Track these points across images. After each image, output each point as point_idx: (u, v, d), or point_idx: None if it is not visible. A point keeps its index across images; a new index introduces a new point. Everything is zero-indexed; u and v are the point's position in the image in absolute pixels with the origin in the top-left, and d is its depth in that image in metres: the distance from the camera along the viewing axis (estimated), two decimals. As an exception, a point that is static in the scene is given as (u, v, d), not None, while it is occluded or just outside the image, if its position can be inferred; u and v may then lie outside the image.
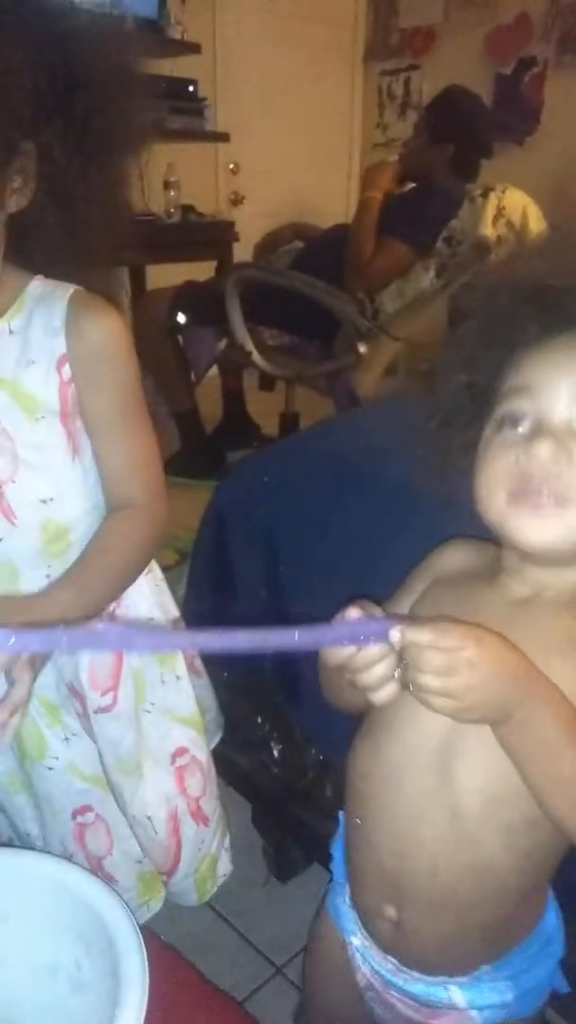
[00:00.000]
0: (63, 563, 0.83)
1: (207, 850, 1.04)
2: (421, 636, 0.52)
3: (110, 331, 0.78)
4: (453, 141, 2.59)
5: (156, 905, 1.05)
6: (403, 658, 0.55)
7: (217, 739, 1.14)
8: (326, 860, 1.28)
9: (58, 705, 0.89)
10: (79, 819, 0.93)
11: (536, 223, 2.54)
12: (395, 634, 0.53)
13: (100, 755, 0.91)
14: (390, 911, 0.71)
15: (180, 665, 0.97)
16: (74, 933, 0.65)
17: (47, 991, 0.67)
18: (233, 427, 3.12)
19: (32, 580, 0.82)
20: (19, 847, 0.95)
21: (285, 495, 1.22)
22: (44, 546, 0.81)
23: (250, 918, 1.28)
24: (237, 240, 3.34)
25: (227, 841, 1.10)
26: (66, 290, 0.78)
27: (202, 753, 1.01)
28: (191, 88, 3.32)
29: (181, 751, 0.98)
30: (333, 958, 0.82)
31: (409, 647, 0.53)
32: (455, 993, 0.72)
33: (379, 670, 0.55)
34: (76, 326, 0.76)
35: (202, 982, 0.71)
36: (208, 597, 1.34)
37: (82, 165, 0.73)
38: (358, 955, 0.79)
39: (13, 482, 0.78)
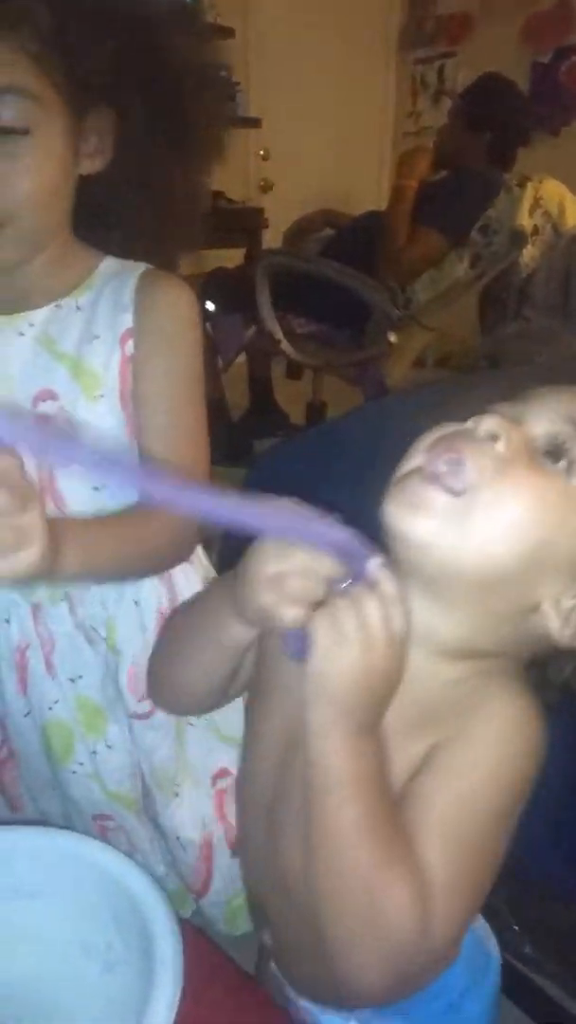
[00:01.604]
0: None
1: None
2: (390, 586, 0.47)
3: (180, 304, 0.77)
4: (489, 129, 2.56)
5: (184, 914, 1.00)
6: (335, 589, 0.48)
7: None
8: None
9: (104, 707, 0.85)
10: (101, 823, 0.89)
11: (573, 214, 2.51)
12: (377, 565, 0.47)
13: (137, 764, 0.87)
14: (266, 936, 0.67)
15: None
16: (107, 913, 0.65)
17: (78, 969, 0.67)
18: (260, 415, 3.11)
19: None
20: (51, 825, 0.95)
21: (315, 483, 1.20)
22: None
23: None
24: (267, 227, 3.32)
25: None
26: (138, 268, 0.77)
27: None
28: (223, 73, 3.30)
29: (223, 772, 0.92)
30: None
31: (369, 584, 0.47)
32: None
33: (311, 584, 0.49)
34: (145, 300, 0.75)
35: (234, 968, 0.71)
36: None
37: (162, 144, 0.73)
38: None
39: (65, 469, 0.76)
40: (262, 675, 0.62)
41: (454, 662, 0.54)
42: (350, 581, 0.49)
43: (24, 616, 0.80)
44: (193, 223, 0.81)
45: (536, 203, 2.46)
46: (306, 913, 0.53)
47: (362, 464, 1.16)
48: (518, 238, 2.40)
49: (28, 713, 0.84)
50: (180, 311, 0.78)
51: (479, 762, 0.51)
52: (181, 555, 0.81)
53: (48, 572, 0.55)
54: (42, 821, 0.91)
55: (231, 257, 3.12)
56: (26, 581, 0.54)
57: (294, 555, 0.50)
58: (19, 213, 0.68)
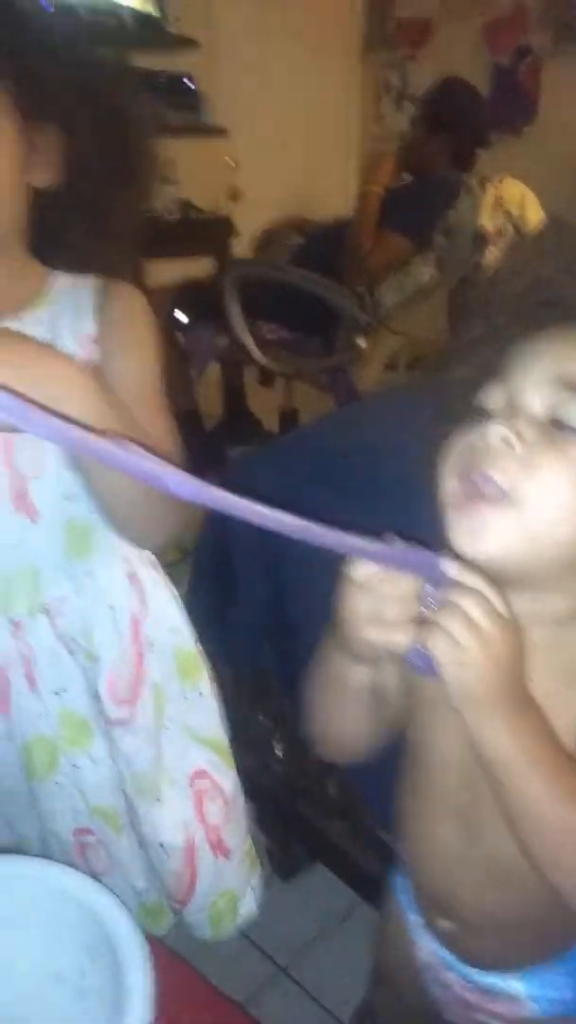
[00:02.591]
0: (87, 565, 0.82)
1: (227, 886, 0.98)
2: (474, 579, 0.51)
3: (136, 307, 0.81)
4: (450, 132, 2.58)
5: (158, 933, 1.00)
6: (426, 602, 0.52)
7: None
8: (329, 859, 1.29)
9: (89, 719, 0.85)
10: (80, 839, 0.89)
11: (534, 213, 2.53)
12: (451, 567, 0.51)
13: (119, 774, 0.88)
14: (444, 923, 0.72)
15: (204, 681, 0.94)
16: (78, 941, 0.65)
17: (52, 999, 0.67)
18: (234, 423, 3.11)
19: (56, 584, 0.81)
20: (20, 854, 0.94)
21: (287, 491, 1.20)
22: (67, 547, 0.80)
23: (252, 917, 1.28)
24: (236, 235, 3.32)
25: (255, 879, 1.03)
26: (92, 280, 0.81)
27: (226, 780, 0.96)
28: (188, 83, 3.31)
29: (200, 774, 0.93)
30: (399, 938, 0.82)
31: (455, 586, 0.51)
32: (513, 983, 0.73)
33: (403, 606, 0.52)
34: (104, 306, 0.79)
35: (206, 987, 0.71)
36: (210, 595, 1.34)
37: (105, 168, 0.76)
38: (418, 932, 0.79)
39: (38, 478, 0.77)
40: (416, 693, 0.66)
41: None
42: (433, 588, 0.52)
43: (4, 634, 0.81)
44: (131, 242, 0.83)
45: (497, 203, 2.49)
46: (512, 890, 0.62)
47: (339, 468, 1.18)
48: (480, 240, 2.42)
49: (7, 735, 0.84)
50: (137, 313, 0.81)
51: None
52: (178, 524, 0.79)
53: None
54: (18, 849, 0.90)
55: (201, 266, 3.12)
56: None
57: (378, 586, 0.53)
58: None
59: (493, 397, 0.56)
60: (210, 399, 3.03)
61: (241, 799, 1.00)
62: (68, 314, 0.78)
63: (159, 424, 0.80)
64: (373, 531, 0.51)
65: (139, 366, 0.80)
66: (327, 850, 1.24)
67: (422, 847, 0.70)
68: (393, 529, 1.11)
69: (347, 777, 1.17)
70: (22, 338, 0.61)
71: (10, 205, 0.73)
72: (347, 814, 1.18)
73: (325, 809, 1.19)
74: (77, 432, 0.41)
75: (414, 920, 0.79)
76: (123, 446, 0.42)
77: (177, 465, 0.44)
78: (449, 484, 0.55)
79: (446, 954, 0.76)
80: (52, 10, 0.75)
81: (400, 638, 0.52)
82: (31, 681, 0.82)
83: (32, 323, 0.77)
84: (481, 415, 0.56)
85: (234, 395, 3.14)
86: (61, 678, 0.83)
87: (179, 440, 0.82)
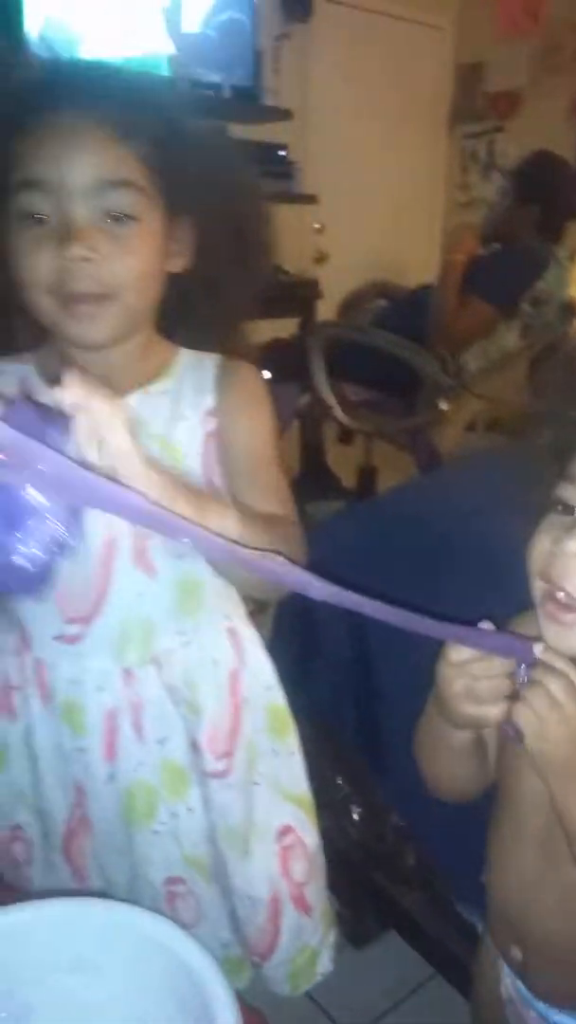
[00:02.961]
0: (194, 621, 0.86)
1: (307, 942, 0.99)
2: (559, 662, 0.58)
3: (255, 384, 0.87)
4: (540, 203, 2.62)
5: (238, 986, 1.00)
6: (518, 680, 0.59)
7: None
8: (403, 928, 1.27)
9: (187, 768, 0.88)
10: (171, 888, 0.91)
11: (624, 287, 2.53)
12: (538, 648, 0.58)
13: (212, 826, 0.90)
14: (516, 952, 0.74)
15: (293, 738, 0.96)
16: (168, 990, 0.66)
17: (140, 1047, 0.67)
18: (312, 478, 3.16)
19: (166, 637, 0.85)
20: (112, 899, 0.95)
21: (374, 556, 1.23)
22: (179, 603, 0.84)
23: (323, 984, 1.26)
24: (321, 297, 3.41)
25: (331, 938, 1.04)
26: (213, 357, 0.86)
27: (310, 838, 0.98)
28: (282, 152, 3.45)
29: (287, 830, 0.95)
30: (488, 974, 0.84)
31: (541, 666, 0.58)
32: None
33: (495, 684, 0.60)
34: (224, 382, 0.84)
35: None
36: (292, 650, 1.35)
37: (229, 257, 0.83)
38: (501, 965, 0.81)
39: (155, 537, 0.80)
40: (509, 747, 0.72)
41: None
42: (524, 667, 0.59)
43: (115, 682, 0.84)
44: (249, 319, 0.91)
45: (586, 276, 2.50)
46: None
47: (421, 539, 1.19)
48: (568, 310, 2.43)
49: (111, 779, 0.86)
50: (256, 392, 0.87)
51: None
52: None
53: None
54: (105, 893, 0.92)
55: (286, 326, 3.21)
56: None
57: (473, 667, 0.60)
58: (124, 290, 0.75)
59: (570, 493, 0.61)
60: (290, 454, 3.09)
61: (322, 857, 1.01)
62: (190, 387, 0.84)
63: (276, 490, 0.86)
64: (456, 599, 0.59)
65: (255, 437, 0.85)
66: (401, 919, 1.22)
67: (502, 868, 0.74)
68: (473, 594, 1.13)
69: (426, 848, 1.15)
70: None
71: (153, 292, 0.80)
72: (424, 885, 1.16)
73: (401, 878, 1.18)
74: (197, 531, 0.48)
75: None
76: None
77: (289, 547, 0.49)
78: (535, 584, 0.62)
79: (523, 988, 0.77)
80: (193, 110, 0.83)
81: (493, 712, 0.60)
82: (138, 729, 0.85)
83: (157, 395, 0.83)
84: (559, 507, 0.61)
85: (314, 451, 3.19)
86: (165, 728, 0.86)
87: (294, 504, 0.87)
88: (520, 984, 0.78)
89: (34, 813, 0.91)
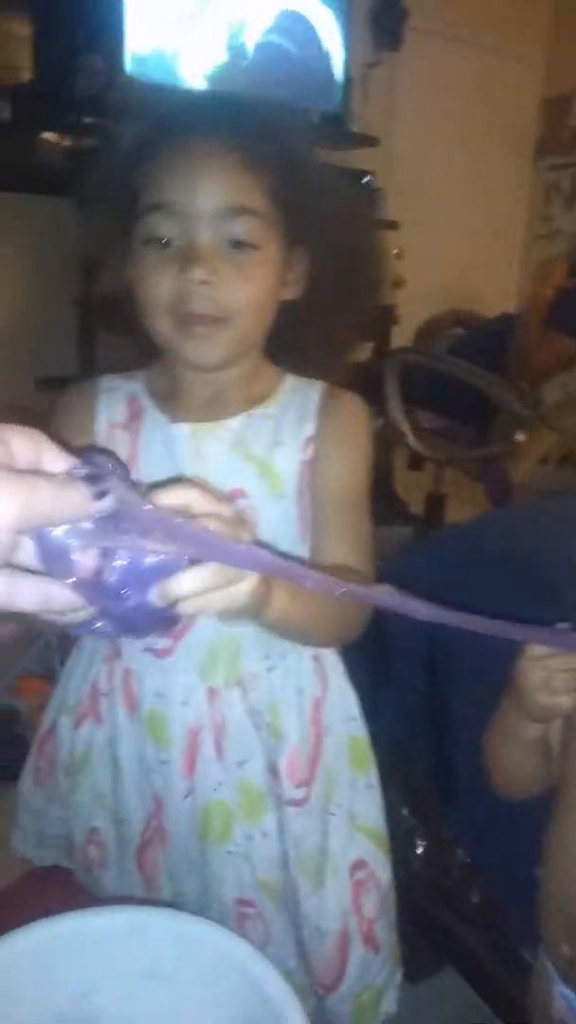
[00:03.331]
0: (282, 650, 0.86)
1: (372, 980, 0.97)
2: None
3: (357, 418, 0.87)
4: (626, 238, 2.59)
5: None
6: None
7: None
8: (462, 966, 1.24)
9: (264, 792, 0.88)
10: (241, 909, 0.90)
11: None
12: None
13: (286, 852, 0.89)
14: (566, 949, 0.75)
15: (373, 772, 0.96)
16: (238, 1008, 0.66)
17: (206, 1061, 0.67)
18: (379, 503, 3.14)
19: (253, 661, 0.86)
20: (188, 913, 0.95)
21: (452, 585, 1.21)
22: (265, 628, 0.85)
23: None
24: (397, 323, 3.42)
25: (397, 978, 1.02)
26: (317, 384, 0.87)
27: (383, 873, 0.96)
28: (366, 179, 3.48)
29: (360, 864, 0.93)
30: (541, 997, 0.85)
31: None
32: None
33: (570, 676, 0.68)
34: (327, 410, 0.85)
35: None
36: (361, 678, 1.34)
37: (340, 274, 0.84)
38: (553, 979, 0.81)
39: None
40: (572, 744, 0.78)
41: None
42: None
43: (200, 699, 0.85)
44: (355, 348, 0.92)
45: None
46: None
47: (496, 573, 1.18)
48: None
49: (189, 795, 0.87)
50: (357, 424, 0.87)
51: None
52: (359, 627, 0.86)
53: (257, 608, 0.60)
54: (174, 905, 0.92)
55: (360, 350, 3.21)
56: (237, 615, 0.57)
57: (549, 661, 0.69)
58: (238, 313, 0.76)
59: None
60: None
61: (393, 895, 0.99)
62: (293, 414, 0.84)
63: (356, 536, 0.85)
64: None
65: (349, 470, 0.85)
66: (461, 957, 1.20)
67: (563, 859, 0.77)
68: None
69: (492, 887, 1.13)
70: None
71: (266, 318, 0.81)
72: (488, 924, 1.14)
73: (464, 916, 1.15)
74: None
75: (551, 972, 0.81)
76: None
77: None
78: None
79: (572, 997, 0.78)
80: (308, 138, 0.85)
81: (567, 701, 0.70)
82: (219, 748, 0.86)
83: (260, 419, 0.84)
84: None
85: (382, 476, 3.18)
86: (245, 750, 0.86)
87: (372, 555, 0.86)
88: (571, 995, 0.78)
89: (112, 819, 0.92)
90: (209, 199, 0.74)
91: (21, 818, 1.04)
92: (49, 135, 3.02)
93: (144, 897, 0.92)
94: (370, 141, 3.48)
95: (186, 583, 0.47)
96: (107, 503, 0.41)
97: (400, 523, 2.92)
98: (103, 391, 0.87)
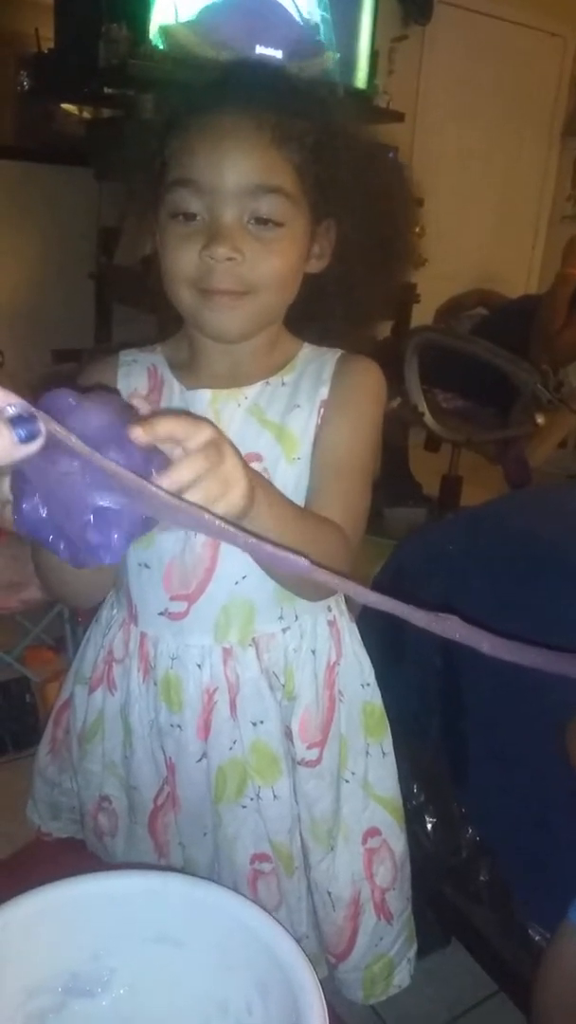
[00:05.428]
0: (295, 609, 0.86)
1: (384, 950, 0.97)
2: None
3: (370, 379, 0.86)
4: None
5: None
6: None
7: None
8: (469, 942, 1.25)
9: (279, 755, 0.88)
10: (256, 865, 0.91)
11: None
12: None
13: (298, 817, 0.89)
14: None
15: (387, 740, 0.96)
16: (250, 974, 0.65)
17: (211, 1026, 0.67)
18: (393, 483, 3.13)
19: (267, 622, 0.86)
20: (199, 877, 0.96)
21: (469, 566, 1.21)
22: (281, 589, 0.84)
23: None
24: (417, 302, 3.38)
25: (412, 952, 1.02)
26: (335, 351, 0.86)
27: (397, 843, 0.96)
28: (392, 155, 3.43)
29: (373, 832, 0.94)
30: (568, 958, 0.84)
31: None
32: None
33: None
34: (341, 372, 0.84)
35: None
36: (377, 651, 1.33)
37: (368, 258, 0.82)
38: None
39: None
40: None
41: None
42: None
43: (215, 660, 0.85)
44: (379, 322, 0.88)
45: None
46: None
47: (525, 553, 1.17)
48: None
49: (202, 758, 0.87)
50: (369, 386, 0.86)
51: None
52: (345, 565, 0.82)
53: (247, 509, 0.59)
54: (185, 871, 0.93)
55: (380, 328, 3.18)
56: (237, 518, 0.58)
57: None
58: (262, 287, 0.76)
59: None
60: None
61: (408, 866, 0.99)
62: (309, 380, 0.84)
63: (349, 504, 0.82)
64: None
65: (353, 436, 0.83)
66: (468, 933, 1.20)
67: None
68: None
69: (501, 865, 1.13)
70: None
71: (290, 291, 0.80)
72: (495, 901, 1.14)
73: (472, 892, 1.16)
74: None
75: None
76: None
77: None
78: None
79: None
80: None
81: None
82: (233, 708, 0.86)
83: (277, 385, 0.84)
84: None
85: (397, 456, 3.16)
86: (259, 711, 0.87)
87: (362, 526, 0.84)
88: None
89: (123, 786, 0.93)
90: (237, 178, 0.73)
91: (37, 789, 1.05)
92: (69, 106, 3.00)
93: (154, 864, 0.93)
94: (396, 116, 3.42)
95: (185, 471, 0.51)
96: (34, 446, 0.40)
97: (413, 504, 2.91)
98: (123, 364, 0.87)
